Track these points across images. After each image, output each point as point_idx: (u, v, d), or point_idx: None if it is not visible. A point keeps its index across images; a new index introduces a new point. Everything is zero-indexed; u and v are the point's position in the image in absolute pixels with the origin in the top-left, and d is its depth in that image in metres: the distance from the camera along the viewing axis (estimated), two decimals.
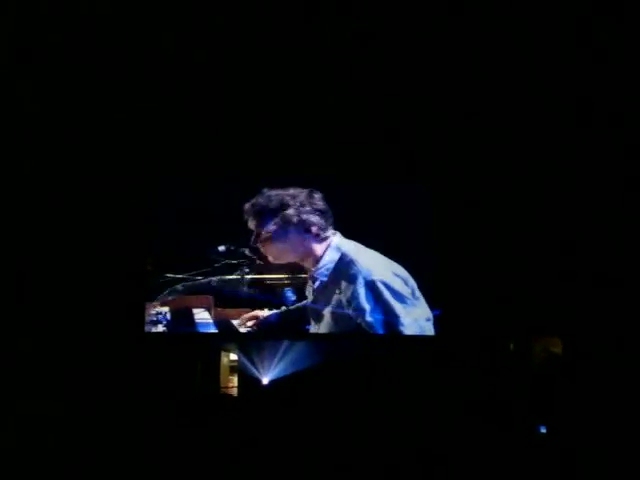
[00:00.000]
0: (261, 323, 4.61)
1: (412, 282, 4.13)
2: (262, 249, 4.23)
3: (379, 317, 4.03)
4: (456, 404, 4.60)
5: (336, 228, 4.17)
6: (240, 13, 4.37)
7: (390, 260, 4.13)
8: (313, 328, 4.38)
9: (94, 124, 4.92)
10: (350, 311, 4.01)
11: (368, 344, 4.69)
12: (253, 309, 4.74)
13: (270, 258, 4.26)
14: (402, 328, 4.08)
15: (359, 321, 4.05)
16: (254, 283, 4.75)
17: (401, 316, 4.03)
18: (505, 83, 4.74)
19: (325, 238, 4.02)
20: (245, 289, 4.76)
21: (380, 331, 4.10)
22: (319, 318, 4.23)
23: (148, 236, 5.00)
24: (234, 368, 5.21)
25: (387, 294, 3.90)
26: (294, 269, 4.69)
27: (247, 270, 4.74)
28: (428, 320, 4.39)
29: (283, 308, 4.62)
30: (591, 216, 4.88)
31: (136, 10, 4.31)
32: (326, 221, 4.05)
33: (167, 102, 4.89)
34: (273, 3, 4.31)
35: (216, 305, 4.81)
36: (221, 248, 4.71)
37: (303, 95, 4.82)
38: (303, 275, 4.61)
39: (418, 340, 4.62)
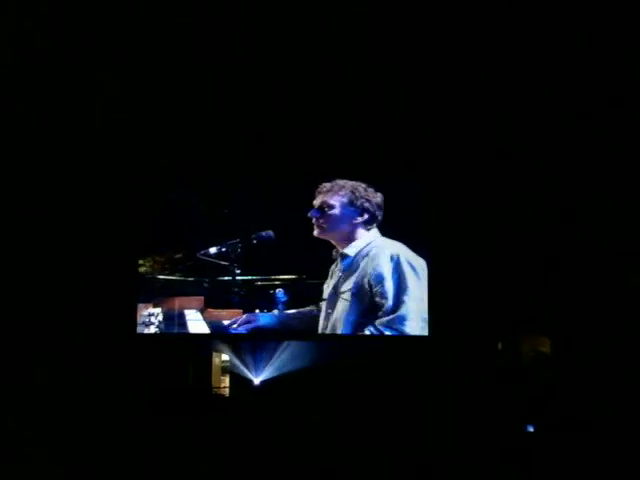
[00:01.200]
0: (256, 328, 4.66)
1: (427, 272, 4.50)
2: (317, 220, 4.46)
3: (394, 286, 4.34)
4: (445, 403, 4.64)
5: None
6: (238, 14, 4.41)
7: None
8: (325, 314, 4.45)
9: (88, 126, 4.93)
10: (371, 279, 4.29)
11: (363, 344, 4.73)
12: (244, 310, 4.77)
13: (317, 231, 4.47)
14: (408, 301, 4.36)
15: (375, 290, 4.30)
16: (246, 284, 4.78)
17: (412, 289, 4.37)
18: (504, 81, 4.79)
19: (369, 229, 4.42)
20: (237, 290, 4.78)
21: (390, 302, 4.36)
22: (337, 299, 4.41)
23: (140, 237, 5.02)
24: (226, 368, 5.24)
25: (407, 266, 4.35)
26: (285, 270, 4.75)
27: (239, 271, 4.77)
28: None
29: (276, 311, 4.66)
30: (580, 216, 4.92)
31: (137, 12, 4.35)
32: (377, 217, 4.45)
33: (165, 103, 4.92)
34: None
35: (208, 306, 4.83)
36: (213, 250, 4.73)
37: (301, 96, 4.86)
38: (293, 277, 4.68)
39: (409, 340, 4.66)
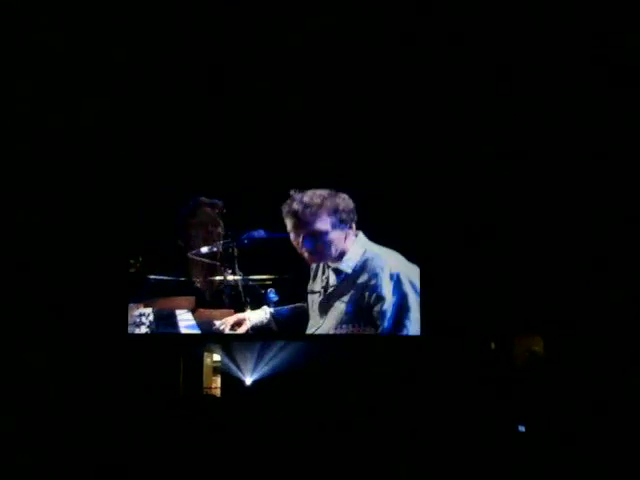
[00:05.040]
0: (251, 328, 4.64)
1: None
2: (306, 249, 4.30)
3: (394, 308, 4.22)
4: (438, 402, 4.62)
5: None
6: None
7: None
8: (315, 323, 4.41)
9: (84, 127, 4.94)
10: (371, 299, 4.15)
11: (355, 344, 4.71)
12: (236, 309, 4.75)
13: (312, 260, 4.32)
14: (409, 324, 4.24)
15: (375, 309, 4.16)
16: (237, 284, 4.77)
17: (412, 309, 4.23)
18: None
19: (355, 235, 4.28)
20: (228, 290, 4.77)
21: (388, 322, 4.24)
22: (327, 311, 4.29)
23: (131, 238, 5.02)
24: (217, 369, 5.23)
25: (408, 286, 4.19)
26: (276, 270, 4.74)
27: (229, 271, 4.75)
28: None
29: (272, 309, 4.64)
30: (573, 218, 4.91)
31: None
32: (354, 220, 4.32)
33: (157, 107, 4.94)
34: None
35: (199, 306, 4.82)
36: (204, 250, 4.72)
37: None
38: (284, 276, 4.67)
39: (403, 340, 4.64)
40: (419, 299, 4.20)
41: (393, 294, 4.15)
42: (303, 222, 4.26)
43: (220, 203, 4.96)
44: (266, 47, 4.62)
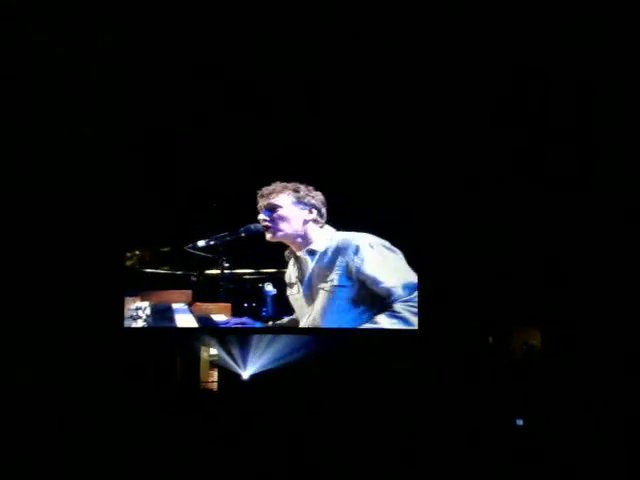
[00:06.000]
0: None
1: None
2: (267, 222, 4.46)
3: (387, 272, 4.39)
4: (435, 397, 4.62)
5: None
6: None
7: None
8: (303, 313, 4.44)
9: (79, 117, 4.91)
10: (361, 271, 4.31)
11: (351, 337, 4.71)
12: (232, 302, 4.75)
13: (269, 235, 4.44)
14: (395, 272, 4.39)
15: (370, 280, 4.33)
16: (233, 277, 4.76)
17: (401, 270, 4.43)
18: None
19: (321, 227, 4.42)
20: (225, 284, 4.76)
21: (379, 282, 4.37)
22: (316, 294, 4.38)
23: (128, 231, 4.99)
24: (214, 363, 5.22)
25: (381, 246, 4.37)
26: (274, 264, 4.73)
27: (227, 265, 4.74)
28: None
29: (270, 323, 4.71)
30: (572, 211, 4.90)
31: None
32: (324, 214, 4.46)
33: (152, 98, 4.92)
34: None
35: (196, 300, 4.81)
36: (200, 243, 4.71)
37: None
38: (280, 270, 4.65)
39: (399, 333, 4.64)
40: (394, 254, 4.43)
41: (382, 260, 4.36)
42: (263, 199, 4.48)
43: (218, 196, 4.96)
44: (265, 47, 4.62)
